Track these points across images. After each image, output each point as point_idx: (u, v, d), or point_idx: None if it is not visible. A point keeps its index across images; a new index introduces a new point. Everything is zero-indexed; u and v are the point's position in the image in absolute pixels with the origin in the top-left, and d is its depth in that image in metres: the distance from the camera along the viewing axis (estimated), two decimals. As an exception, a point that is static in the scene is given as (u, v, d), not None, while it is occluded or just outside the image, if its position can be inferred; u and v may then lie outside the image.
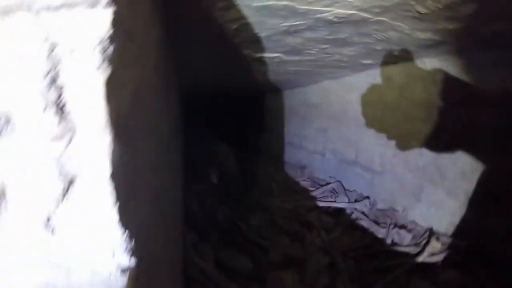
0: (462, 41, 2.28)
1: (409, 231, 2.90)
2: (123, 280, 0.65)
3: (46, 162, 0.62)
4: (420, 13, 1.83)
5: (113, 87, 0.65)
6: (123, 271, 0.66)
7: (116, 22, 0.63)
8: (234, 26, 2.06)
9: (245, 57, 2.99)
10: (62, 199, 0.63)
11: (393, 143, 3.38)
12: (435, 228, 2.84)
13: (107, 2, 0.62)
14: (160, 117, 1.59)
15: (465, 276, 2.19)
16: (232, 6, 1.73)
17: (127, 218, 0.68)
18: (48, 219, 0.64)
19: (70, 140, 0.62)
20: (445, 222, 2.78)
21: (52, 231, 0.64)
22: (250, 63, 3.30)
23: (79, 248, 0.64)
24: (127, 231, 0.68)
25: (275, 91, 6.64)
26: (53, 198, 0.63)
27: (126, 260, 0.67)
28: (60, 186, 0.62)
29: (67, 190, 0.62)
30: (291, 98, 6.20)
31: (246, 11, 1.82)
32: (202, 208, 3.48)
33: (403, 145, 3.25)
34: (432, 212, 2.92)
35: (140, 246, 0.75)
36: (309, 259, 2.54)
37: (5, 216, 0.65)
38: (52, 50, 0.61)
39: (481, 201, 2.49)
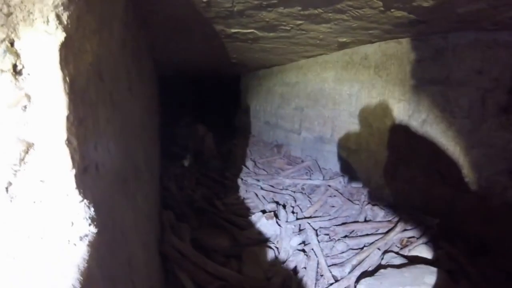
0: (438, 21, 2.29)
1: (382, 208, 2.97)
2: (82, 247, 0.63)
3: (3, 129, 0.59)
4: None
5: (69, 54, 0.62)
6: (82, 238, 0.64)
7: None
8: (204, 0, 2.00)
9: (218, 33, 2.93)
10: (20, 167, 0.60)
11: (368, 121, 3.43)
12: (408, 205, 2.92)
13: None
14: (130, 95, 1.54)
15: (437, 252, 2.27)
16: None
17: (85, 186, 0.66)
18: (7, 188, 0.61)
19: (26, 107, 0.59)
20: (417, 199, 2.87)
21: (11, 199, 0.62)
22: (224, 40, 3.24)
23: (38, 215, 0.62)
24: (85, 199, 0.66)
25: (252, 70, 6.59)
26: (11, 165, 0.60)
27: (85, 228, 0.66)
28: (17, 153, 0.59)
29: (25, 157, 0.59)
30: (268, 78, 6.17)
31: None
32: (179, 189, 3.46)
33: (378, 123, 3.30)
34: (405, 189, 3.00)
35: (103, 216, 0.73)
36: (284, 236, 2.58)
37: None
38: (8, 16, 0.57)
39: (454, 179, 2.56)
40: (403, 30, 2.64)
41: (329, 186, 3.56)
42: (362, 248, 2.48)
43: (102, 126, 0.84)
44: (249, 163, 4.56)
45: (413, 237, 2.50)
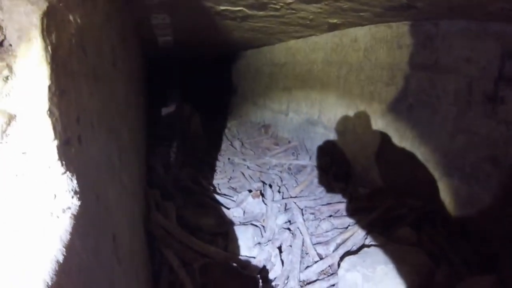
0: (430, 7, 2.28)
1: (367, 189, 3.03)
2: (65, 219, 0.63)
3: None
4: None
5: (51, 23, 0.60)
6: (65, 211, 0.64)
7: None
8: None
9: (207, 10, 2.87)
10: (2, 139, 0.59)
11: (356, 104, 3.45)
12: (393, 187, 2.97)
13: None
14: (114, 71, 1.51)
15: (420, 234, 2.33)
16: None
17: (67, 158, 0.65)
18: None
19: (8, 77, 0.57)
20: (401, 182, 2.92)
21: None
22: (213, 18, 3.18)
23: (21, 188, 0.61)
24: (68, 171, 0.65)
25: (241, 50, 6.51)
26: None
27: (68, 201, 0.65)
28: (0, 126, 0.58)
29: (6, 129, 0.58)
30: (257, 58, 6.11)
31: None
32: (165, 168, 3.45)
33: (365, 106, 3.32)
34: (390, 172, 3.05)
35: (86, 190, 0.73)
36: (270, 215, 2.61)
37: None
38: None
39: (437, 163, 2.62)
40: (394, 14, 2.63)
41: (315, 166, 3.60)
42: (346, 228, 2.53)
43: (85, 100, 0.83)
44: (236, 143, 4.57)
45: (396, 218, 2.56)
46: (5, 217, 0.59)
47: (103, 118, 1.05)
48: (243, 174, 3.45)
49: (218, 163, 3.82)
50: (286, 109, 5.00)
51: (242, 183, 3.29)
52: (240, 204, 2.77)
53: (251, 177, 3.40)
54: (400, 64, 2.90)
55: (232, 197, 2.96)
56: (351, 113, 3.52)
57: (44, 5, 0.57)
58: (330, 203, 2.89)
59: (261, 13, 3.00)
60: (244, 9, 2.84)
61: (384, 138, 3.11)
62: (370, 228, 2.45)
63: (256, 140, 4.83)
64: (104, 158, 1.03)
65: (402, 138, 2.92)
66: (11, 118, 0.58)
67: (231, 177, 3.42)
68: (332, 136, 3.86)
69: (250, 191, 2.97)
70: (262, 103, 5.89)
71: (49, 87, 0.59)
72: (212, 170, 3.64)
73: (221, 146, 4.53)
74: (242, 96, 6.95)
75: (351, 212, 2.75)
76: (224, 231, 2.44)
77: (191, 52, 6.67)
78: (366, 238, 2.35)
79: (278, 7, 2.76)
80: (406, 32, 2.83)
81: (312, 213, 2.76)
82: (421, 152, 2.76)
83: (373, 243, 2.27)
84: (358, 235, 2.37)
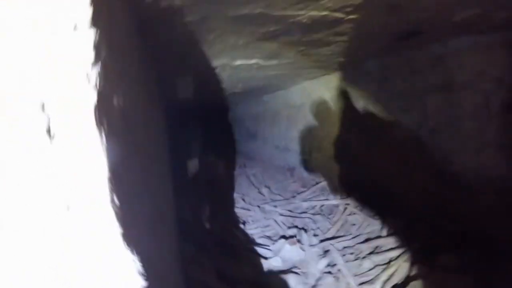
0: (436, 29, 2.34)
1: (404, 219, 2.94)
2: None
3: (44, 194, 0.62)
4: (391, 7, 1.88)
5: (100, 113, 0.66)
6: None
7: (97, 47, 0.63)
8: (210, 37, 2.07)
9: (224, 66, 3.01)
10: (62, 225, 0.63)
11: (379, 134, 3.43)
12: (428, 212, 2.88)
13: (90, 23, 0.63)
14: (148, 136, 1.59)
15: (463, 258, 2.23)
16: (207, 17, 1.75)
17: (130, 241, 0.68)
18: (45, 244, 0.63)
19: (61, 168, 0.62)
20: (436, 206, 2.83)
21: (54, 255, 0.64)
22: (229, 72, 3.32)
23: (83, 272, 0.64)
24: (130, 253, 0.68)
25: (258, 95, 6.68)
26: (52, 224, 0.62)
27: (138, 283, 0.68)
28: (61, 212, 0.62)
29: (66, 216, 0.62)
30: (274, 102, 6.24)
31: (221, 22, 1.84)
32: (196, 219, 3.46)
33: (384, 135, 3.30)
34: (423, 197, 2.97)
35: (145, 266, 0.75)
36: (309, 260, 2.56)
37: (9, 240, 0.64)
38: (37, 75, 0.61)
39: (468, 181, 2.54)
40: (403, 42, 2.69)
41: (347, 204, 3.54)
42: (389, 263, 2.44)
43: (133, 174, 0.88)
44: (264, 190, 4.56)
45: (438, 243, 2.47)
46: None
47: (145, 188, 1.10)
48: (275, 221, 3.42)
49: (248, 212, 3.80)
50: (308, 149, 5.01)
51: (276, 231, 3.24)
52: (277, 253, 2.72)
53: (284, 224, 3.36)
54: (416, 89, 2.91)
55: (268, 246, 2.91)
56: (375, 144, 3.50)
57: (94, 95, 0.63)
58: (369, 240, 2.81)
59: (274, 62, 3.13)
60: (259, 60, 2.97)
61: (409, 165, 3.06)
62: (412, 259, 2.36)
63: (283, 185, 4.81)
64: (152, 230, 1.06)
65: (428, 163, 2.87)
66: (70, 206, 0.62)
67: (264, 225, 3.39)
68: (360, 171, 3.82)
69: (285, 238, 2.93)
70: (284, 145, 5.93)
71: (109, 178, 0.63)
72: (243, 219, 3.62)
73: (250, 194, 4.53)
74: (263, 140, 7.02)
75: (391, 245, 2.67)
76: (265, 282, 2.39)
77: (208, 102, 6.88)
78: (411, 271, 2.26)
79: (291, 55, 2.88)
80: (417, 56, 2.87)
81: (352, 253, 2.68)
82: (449, 173, 2.69)
83: (417, 274, 2.19)
84: (402, 269, 2.28)
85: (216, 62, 2.82)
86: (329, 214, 3.49)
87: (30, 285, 0.62)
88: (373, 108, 3.48)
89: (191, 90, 4.09)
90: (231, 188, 4.77)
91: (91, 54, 0.63)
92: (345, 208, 3.46)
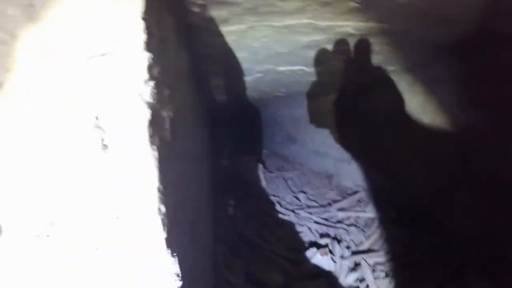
0: (485, 41, 2.23)
1: (440, 238, 2.82)
2: None
3: (96, 197, 0.68)
4: (440, 18, 1.82)
5: (153, 128, 0.71)
6: None
7: (150, 67, 0.68)
8: (255, 45, 2.11)
9: (267, 71, 3.04)
10: (113, 235, 0.68)
11: (423, 148, 3.31)
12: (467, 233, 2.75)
13: (143, 47, 0.67)
14: (192, 142, 1.64)
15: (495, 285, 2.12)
16: (253, 27, 1.78)
17: (172, 245, 0.73)
18: (97, 247, 0.69)
19: (115, 178, 0.67)
20: (473, 229, 2.69)
21: (101, 256, 0.70)
22: (274, 76, 3.35)
23: (130, 273, 0.69)
24: (172, 258, 0.72)
25: (300, 100, 6.65)
26: (103, 228, 0.68)
27: (174, 283, 0.72)
28: (110, 222, 0.67)
29: (117, 225, 0.67)
30: (315, 106, 6.18)
31: (267, 31, 1.86)
32: (231, 223, 3.51)
33: (429, 150, 3.17)
34: (461, 217, 2.83)
35: (183, 270, 0.80)
36: (339, 272, 2.52)
37: (60, 244, 0.70)
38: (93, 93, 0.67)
39: None
40: (449, 53, 2.59)
41: (383, 218, 3.44)
42: (419, 283, 2.36)
43: (177, 184, 0.92)
44: (300, 195, 4.54)
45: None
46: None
47: (189, 193, 1.15)
48: (309, 228, 3.40)
49: (283, 217, 3.80)
50: (349, 157, 4.92)
51: (309, 238, 3.23)
52: (308, 261, 2.71)
53: (317, 232, 3.33)
54: (463, 102, 2.76)
55: (300, 253, 2.91)
56: (416, 158, 3.38)
57: (148, 113, 0.67)
58: (401, 257, 2.72)
59: (319, 68, 3.11)
60: (303, 67, 2.97)
61: (453, 183, 2.92)
62: (444, 280, 2.27)
63: (320, 192, 4.76)
64: (191, 232, 1.11)
65: (474, 182, 2.72)
66: (120, 213, 0.67)
67: (297, 232, 3.38)
68: (401, 184, 3.70)
69: (317, 247, 2.90)
70: (323, 151, 5.86)
71: (158, 188, 0.68)
72: (277, 223, 3.63)
73: (286, 198, 4.53)
74: (302, 144, 6.97)
75: (424, 264, 2.56)
76: (293, 289, 2.39)
77: (249, 104, 6.95)
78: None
79: (335, 63, 2.85)
80: (464, 68, 2.72)
81: (382, 270, 2.61)
82: (496, 193, 2.52)
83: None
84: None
85: (259, 68, 2.85)
86: (364, 227, 3.41)
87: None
88: (417, 120, 3.35)
89: (232, 93, 4.17)
90: (267, 191, 4.79)
91: (144, 74, 0.67)
92: (381, 222, 3.37)
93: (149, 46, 0.68)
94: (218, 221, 3.43)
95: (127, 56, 0.65)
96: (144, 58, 0.66)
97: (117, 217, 0.67)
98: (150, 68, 0.68)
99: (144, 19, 0.65)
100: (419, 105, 3.32)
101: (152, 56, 0.69)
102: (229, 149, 6.88)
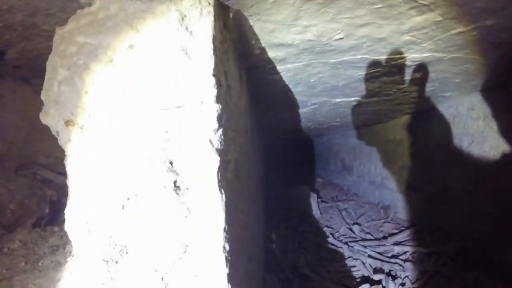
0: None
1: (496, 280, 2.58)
2: None
3: (166, 232, 0.76)
4: (495, 44, 1.77)
5: (221, 172, 0.78)
6: None
7: (219, 117, 0.76)
8: (312, 80, 2.18)
9: (323, 103, 3.08)
10: (178, 263, 0.75)
11: (485, 178, 3.10)
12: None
13: (214, 100, 0.76)
14: (250, 177, 1.72)
15: None
16: (309, 65, 1.85)
17: (232, 279, 0.78)
18: (163, 278, 0.76)
19: (186, 216, 0.75)
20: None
21: (166, 286, 0.77)
22: (328, 108, 3.39)
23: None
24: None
25: (355, 128, 6.57)
26: (171, 261, 0.75)
27: None
28: (177, 252, 0.75)
29: (182, 256, 0.75)
30: (370, 136, 6.06)
31: (322, 67, 1.93)
32: (282, 252, 3.50)
33: (494, 179, 2.96)
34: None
35: None
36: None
37: (128, 270, 0.79)
38: (168, 140, 0.76)
39: None
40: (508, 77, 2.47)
41: (443, 253, 3.23)
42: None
43: (239, 220, 0.99)
44: (354, 227, 4.42)
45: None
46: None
47: (248, 228, 1.21)
48: (362, 262, 3.29)
49: (336, 249, 3.72)
50: (405, 189, 4.72)
51: (362, 273, 3.12)
52: (362, 297, 2.62)
53: (371, 266, 3.21)
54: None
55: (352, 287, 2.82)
56: (478, 188, 3.16)
57: (217, 160, 0.75)
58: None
59: (374, 99, 3.10)
60: (358, 98, 2.97)
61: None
62: None
63: (375, 224, 4.59)
64: (247, 264, 1.16)
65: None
66: (187, 247, 0.75)
67: (350, 266, 3.28)
68: (460, 217, 3.47)
69: (370, 283, 2.80)
70: (380, 182, 5.68)
71: (224, 228, 0.74)
72: (330, 256, 3.55)
73: (339, 229, 4.43)
74: (358, 174, 6.81)
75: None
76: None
77: (303, 135, 6.99)
78: None
79: (391, 92, 2.83)
80: None
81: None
82: None
83: None
84: None
85: (315, 100, 2.91)
86: (421, 262, 3.22)
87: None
88: (478, 148, 3.17)
89: (288, 125, 4.25)
90: (320, 221, 4.72)
91: (214, 123, 0.76)
92: (438, 258, 3.16)
93: (219, 98, 0.76)
94: (270, 250, 3.44)
95: (199, 108, 0.74)
96: (214, 109, 0.75)
97: (184, 252, 0.75)
98: (219, 117, 0.76)
99: (214, 75, 0.74)
100: (478, 132, 3.15)
101: (221, 106, 0.77)
102: (284, 179, 6.92)
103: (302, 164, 9.31)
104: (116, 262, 0.80)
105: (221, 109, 0.77)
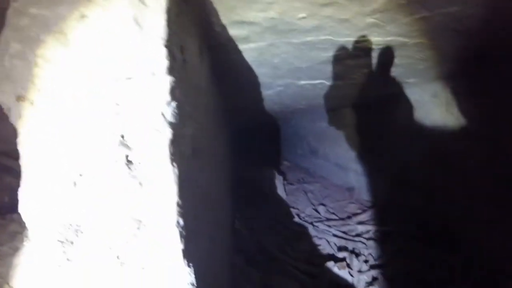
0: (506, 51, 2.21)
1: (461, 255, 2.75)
2: None
3: (119, 209, 0.74)
4: (458, 31, 1.82)
5: (174, 146, 0.76)
6: None
7: (172, 89, 0.74)
8: (275, 60, 2.16)
9: (288, 85, 3.08)
10: (132, 240, 0.73)
11: (446, 161, 3.25)
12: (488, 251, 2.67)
13: (166, 71, 0.73)
14: (212, 155, 1.70)
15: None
16: (273, 44, 1.83)
17: (188, 256, 0.78)
18: (118, 256, 0.75)
19: (137, 192, 0.73)
20: (495, 250, 2.61)
21: (121, 264, 0.75)
22: (294, 90, 3.39)
23: (147, 281, 0.74)
24: (188, 267, 0.77)
25: (321, 112, 6.65)
26: (124, 239, 0.74)
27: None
28: (130, 229, 0.73)
29: (136, 233, 0.73)
30: (337, 120, 6.16)
31: (286, 48, 1.92)
32: (250, 234, 3.54)
33: (457, 163, 3.11)
34: (482, 235, 2.75)
35: (200, 278, 0.84)
36: (356, 286, 2.50)
37: (84, 251, 0.77)
38: (118, 114, 0.73)
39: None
40: (470, 65, 2.58)
41: (405, 232, 3.39)
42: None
43: (197, 197, 0.98)
44: (320, 208, 4.52)
45: None
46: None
47: (207, 204, 1.20)
48: (327, 241, 3.38)
49: (302, 229, 3.80)
50: (369, 171, 4.87)
51: (327, 251, 3.21)
52: (325, 275, 2.70)
53: (336, 245, 3.31)
54: (487, 115, 2.71)
55: (317, 266, 2.90)
56: (438, 171, 3.31)
57: (169, 133, 0.73)
58: (420, 273, 2.66)
59: (339, 82, 3.13)
60: (323, 81, 3.00)
61: (478, 197, 2.84)
62: None
63: (340, 204, 4.72)
64: (208, 241, 1.16)
65: (500, 197, 2.64)
66: (140, 224, 0.73)
67: (315, 245, 3.37)
68: (422, 198, 3.63)
69: (335, 260, 2.89)
70: (345, 164, 5.82)
71: (177, 202, 0.73)
72: (296, 236, 3.63)
73: (306, 210, 4.52)
74: (324, 158, 6.94)
75: (442, 282, 2.51)
76: (309, 303, 2.39)
77: (270, 117, 7.00)
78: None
79: (355, 76, 2.87)
80: (486, 80, 2.67)
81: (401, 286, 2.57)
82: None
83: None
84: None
85: (280, 82, 2.90)
86: (383, 241, 3.36)
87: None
88: (439, 133, 3.31)
89: (254, 107, 4.23)
90: (286, 203, 4.80)
91: (167, 96, 0.74)
92: (401, 236, 3.31)
93: (172, 70, 0.74)
94: (237, 232, 3.47)
95: (151, 80, 0.72)
96: (167, 81, 0.73)
97: (138, 228, 0.73)
98: (172, 90, 0.74)
99: (166, 46, 0.72)
100: (441, 118, 3.28)
101: (174, 79, 0.75)
102: (251, 162, 6.94)
103: (270, 147, 9.37)
104: (72, 242, 0.77)
105: (174, 82, 0.75)
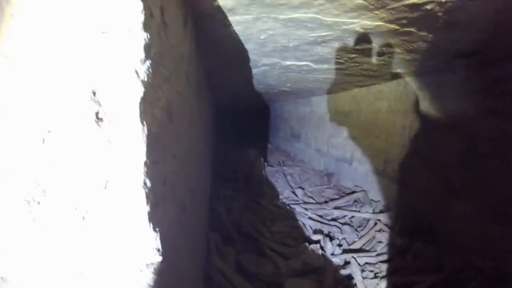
0: (494, 52, 2.23)
1: (433, 246, 2.83)
2: (148, 274, 0.73)
3: (87, 167, 0.71)
4: (449, 23, 1.82)
5: (146, 105, 0.73)
6: (149, 266, 0.74)
7: (147, 47, 0.70)
8: (262, 37, 2.12)
9: (274, 64, 3.05)
10: (99, 201, 0.71)
11: (423, 154, 3.31)
12: (461, 244, 2.76)
13: (141, 27, 0.69)
14: (191, 126, 1.67)
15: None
16: (259, 19, 1.79)
17: (155, 221, 0.76)
18: (84, 217, 0.72)
19: (106, 151, 0.70)
20: (471, 238, 2.70)
21: (87, 226, 0.73)
22: (279, 71, 3.36)
23: (112, 243, 0.72)
24: (154, 232, 0.75)
25: (306, 96, 6.66)
26: (91, 198, 0.71)
27: (152, 257, 0.76)
28: (97, 189, 0.70)
29: (103, 192, 0.70)
30: (320, 106, 6.19)
31: (273, 24, 1.88)
32: (227, 211, 3.55)
33: (433, 157, 3.17)
34: (458, 227, 2.83)
35: (166, 246, 0.83)
36: (328, 269, 2.55)
37: (50, 211, 0.73)
38: (90, 69, 0.69)
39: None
40: (458, 61, 2.59)
41: (378, 220, 3.46)
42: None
43: (170, 163, 0.95)
44: (298, 191, 4.57)
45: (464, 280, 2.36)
46: (96, 267, 0.69)
47: (181, 174, 1.17)
48: (303, 224, 3.43)
49: (279, 211, 3.83)
50: (350, 158, 4.93)
51: (302, 233, 3.26)
52: (298, 256, 2.74)
53: (311, 228, 3.36)
54: (469, 110, 2.76)
55: (291, 247, 2.94)
56: (418, 164, 3.38)
57: (140, 90, 0.70)
58: (392, 261, 2.73)
59: (325, 66, 3.12)
60: (309, 63, 2.97)
61: (452, 190, 2.92)
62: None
63: (318, 189, 4.78)
64: (180, 212, 1.14)
65: (472, 191, 2.72)
66: (107, 184, 0.70)
67: (291, 226, 3.41)
68: (398, 188, 3.71)
69: (309, 242, 2.93)
70: (326, 150, 5.88)
71: (145, 163, 0.70)
72: (273, 217, 3.66)
73: (284, 193, 4.56)
74: (306, 142, 7.00)
75: (414, 271, 2.58)
76: (280, 283, 2.42)
77: (255, 98, 6.96)
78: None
79: (342, 61, 2.86)
80: (472, 76, 2.72)
81: (372, 270, 2.63)
82: (495, 205, 2.53)
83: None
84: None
85: (266, 61, 2.87)
86: (358, 227, 3.43)
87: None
88: (421, 125, 3.36)
89: (239, 85, 4.19)
90: (266, 185, 4.82)
91: (141, 53, 0.70)
92: (376, 224, 3.39)
93: (148, 26, 0.70)
94: (216, 209, 3.47)
95: (125, 35, 0.68)
96: (142, 37, 0.69)
97: (105, 187, 0.70)
98: (147, 47, 0.70)
99: (143, 0, 0.68)
100: (424, 111, 3.32)
101: (149, 36, 0.71)
102: (233, 141, 6.91)
103: (253, 129, 9.36)
104: (38, 202, 0.74)
105: (149, 39, 0.71)
